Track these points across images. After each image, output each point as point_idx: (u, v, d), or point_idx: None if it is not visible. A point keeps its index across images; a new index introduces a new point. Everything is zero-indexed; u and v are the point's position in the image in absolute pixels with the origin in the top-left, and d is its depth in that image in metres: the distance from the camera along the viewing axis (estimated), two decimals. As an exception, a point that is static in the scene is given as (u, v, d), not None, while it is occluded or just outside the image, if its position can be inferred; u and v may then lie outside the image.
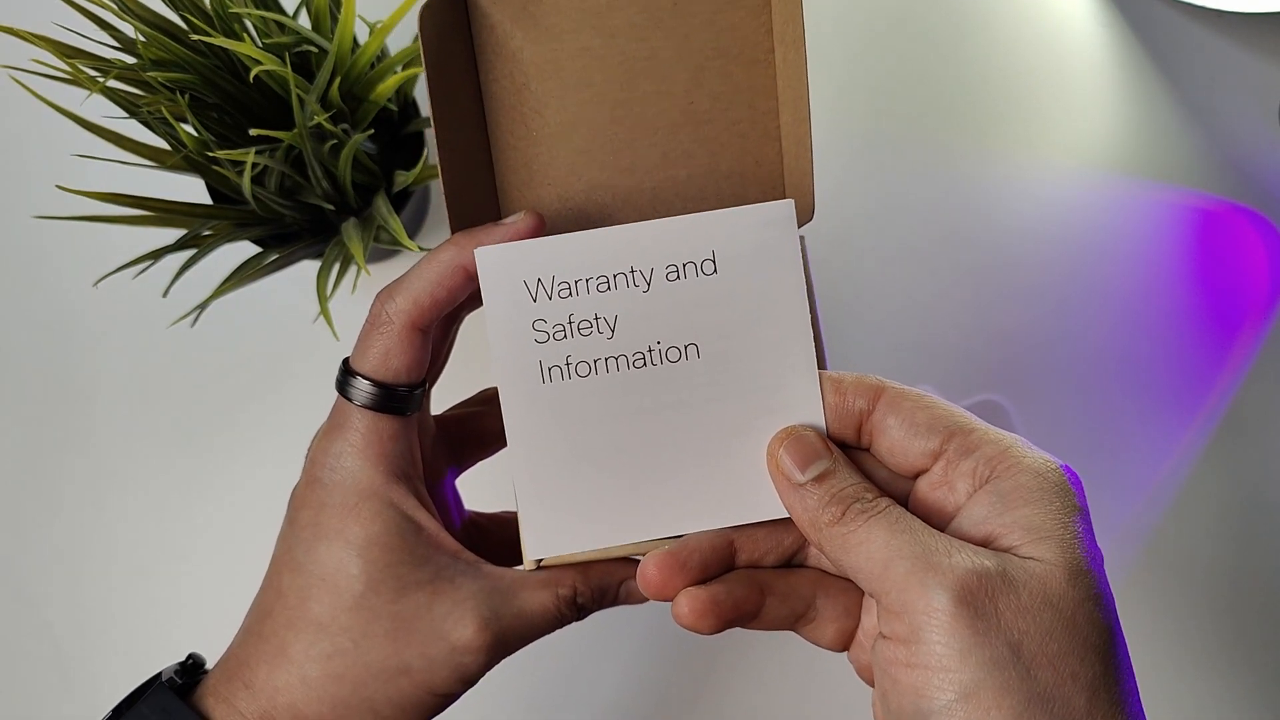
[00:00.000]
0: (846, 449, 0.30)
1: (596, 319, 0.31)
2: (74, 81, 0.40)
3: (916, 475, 0.29)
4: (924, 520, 0.27)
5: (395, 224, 0.42)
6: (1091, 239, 0.53)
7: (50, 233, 0.55)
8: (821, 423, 0.30)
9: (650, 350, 0.31)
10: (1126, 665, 0.25)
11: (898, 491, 0.29)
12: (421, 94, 0.50)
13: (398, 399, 0.31)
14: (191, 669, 0.34)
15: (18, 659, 0.52)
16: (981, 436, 0.27)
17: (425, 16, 0.31)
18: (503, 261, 0.30)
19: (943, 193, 0.54)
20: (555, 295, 0.30)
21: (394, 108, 0.47)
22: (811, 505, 0.28)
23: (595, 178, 0.34)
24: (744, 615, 0.30)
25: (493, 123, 0.33)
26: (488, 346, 0.31)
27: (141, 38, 0.41)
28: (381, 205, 0.43)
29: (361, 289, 0.54)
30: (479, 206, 0.33)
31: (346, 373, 0.32)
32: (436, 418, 0.36)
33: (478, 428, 0.37)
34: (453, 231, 0.31)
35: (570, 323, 0.31)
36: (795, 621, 0.30)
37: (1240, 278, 0.53)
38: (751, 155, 0.35)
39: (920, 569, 0.25)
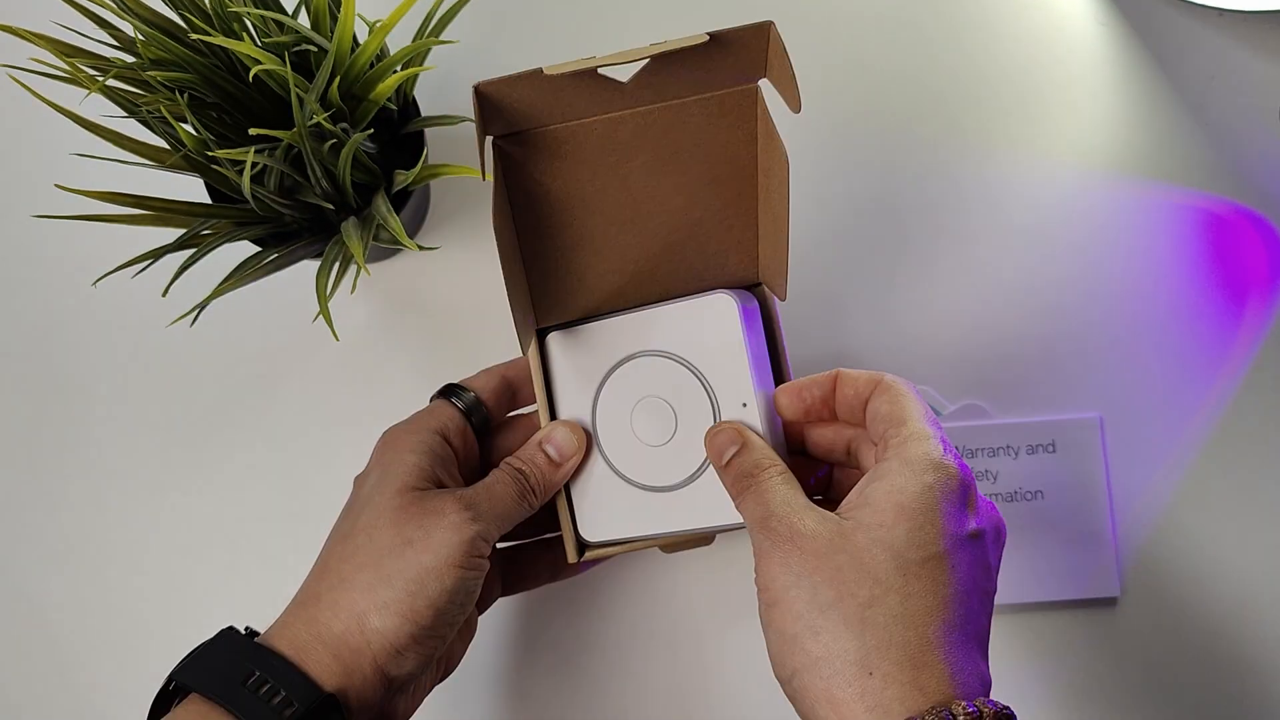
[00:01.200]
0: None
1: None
2: (73, 80, 0.40)
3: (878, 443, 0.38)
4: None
5: (395, 223, 0.42)
6: (1091, 238, 0.53)
7: (50, 232, 0.55)
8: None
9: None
10: (926, 598, 0.33)
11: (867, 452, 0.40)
12: (421, 94, 0.50)
13: (471, 402, 0.44)
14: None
15: (18, 659, 0.52)
16: (904, 430, 0.36)
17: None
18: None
19: (942, 191, 0.54)
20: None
21: (394, 107, 0.47)
22: (728, 479, 0.39)
23: (606, 267, 0.44)
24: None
25: (525, 237, 0.43)
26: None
27: (141, 37, 0.41)
28: (381, 204, 0.43)
29: (361, 288, 0.54)
30: (524, 307, 0.44)
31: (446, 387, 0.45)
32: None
33: (533, 561, 0.47)
34: (518, 326, 0.41)
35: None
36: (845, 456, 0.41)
37: (1240, 278, 0.53)
38: (734, 238, 0.44)
39: (762, 523, 0.36)
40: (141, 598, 0.53)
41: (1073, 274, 0.53)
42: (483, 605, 0.45)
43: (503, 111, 0.40)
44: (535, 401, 0.45)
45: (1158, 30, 0.54)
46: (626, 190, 0.43)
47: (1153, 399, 0.52)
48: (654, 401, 0.42)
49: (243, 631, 0.40)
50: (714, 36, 0.38)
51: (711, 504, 0.41)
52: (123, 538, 0.53)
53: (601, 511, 0.43)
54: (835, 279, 0.53)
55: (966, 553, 0.34)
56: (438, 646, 0.39)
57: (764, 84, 0.41)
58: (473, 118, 0.37)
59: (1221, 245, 0.53)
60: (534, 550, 0.47)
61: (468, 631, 0.44)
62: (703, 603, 0.52)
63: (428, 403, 0.45)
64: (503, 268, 0.40)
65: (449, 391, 0.44)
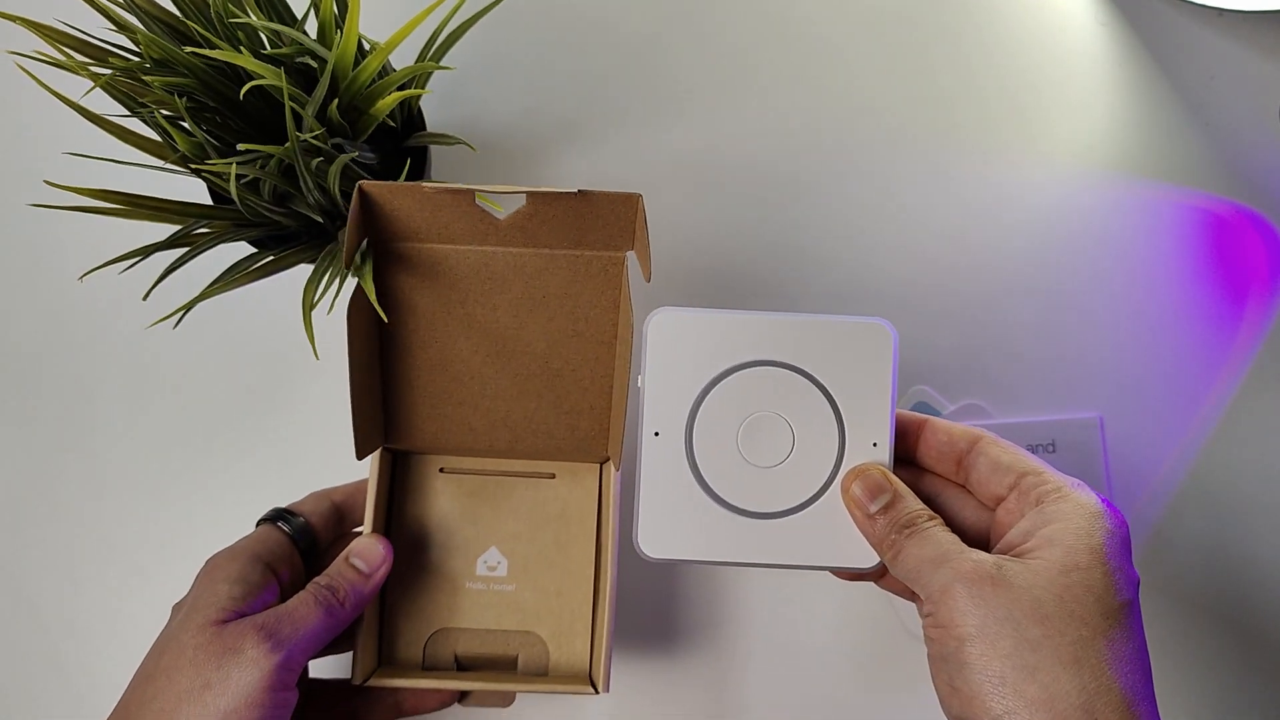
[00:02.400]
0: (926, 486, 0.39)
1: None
2: (71, 70, 0.40)
3: (997, 504, 0.37)
4: (991, 537, 0.37)
5: None
6: (1091, 238, 0.53)
7: (50, 231, 0.55)
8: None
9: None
10: (1131, 638, 0.32)
11: (984, 520, 0.38)
12: (427, 102, 0.50)
13: (299, 527, 0.44)
14: None
15: (17, 659, 0.52)
16: (1046, 477, 0.36)
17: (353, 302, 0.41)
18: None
19: (942, 191, 0.54)
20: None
21: (394, 124, 0.47)
22: (880, 530, 0.37)
23: (463, 396, 0.45)
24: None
25: (386, 346, 0.44)
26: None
27: (141, 27, 0.41)
28: None
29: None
30: (372, 415, 0.45)
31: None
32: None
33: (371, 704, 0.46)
34: (355, 434, 0.43)
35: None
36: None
37: (1240, 277, 0.53)
38: (588, 402, 0.45)
39: (937, 564, 0.34)
40: (139, 598, 0.53)
41: (1072, 273, 0.53)
42: None
43: (383, 217, 0.41)
44: (363, 524, 0.45)
45: (1158, 30, 0.54)
46: (494, 322, 0.43)
47: (1153, 399, 0.52)
48: (772, 418, 0.39)
49: None
50: (583, 193, 0.40)
51: (813, 540, 0.39)
52: (122, 538, 0.53)
53: (674, 525, 0.39)
54: (834, 279, 0.53)
55: (1138, 603, 0.34)
56: None
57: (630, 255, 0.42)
58: (463, 140, 0.38)
59: (1221, 245, 0.53)
60: (336, 694, 0.46)
61: None
62: None
63: (254, 527, 0.44)
64: (350, 368, 0.40)
65: (276, 516, 0.44)
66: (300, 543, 0.44)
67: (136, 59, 0.41)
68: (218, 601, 0.39)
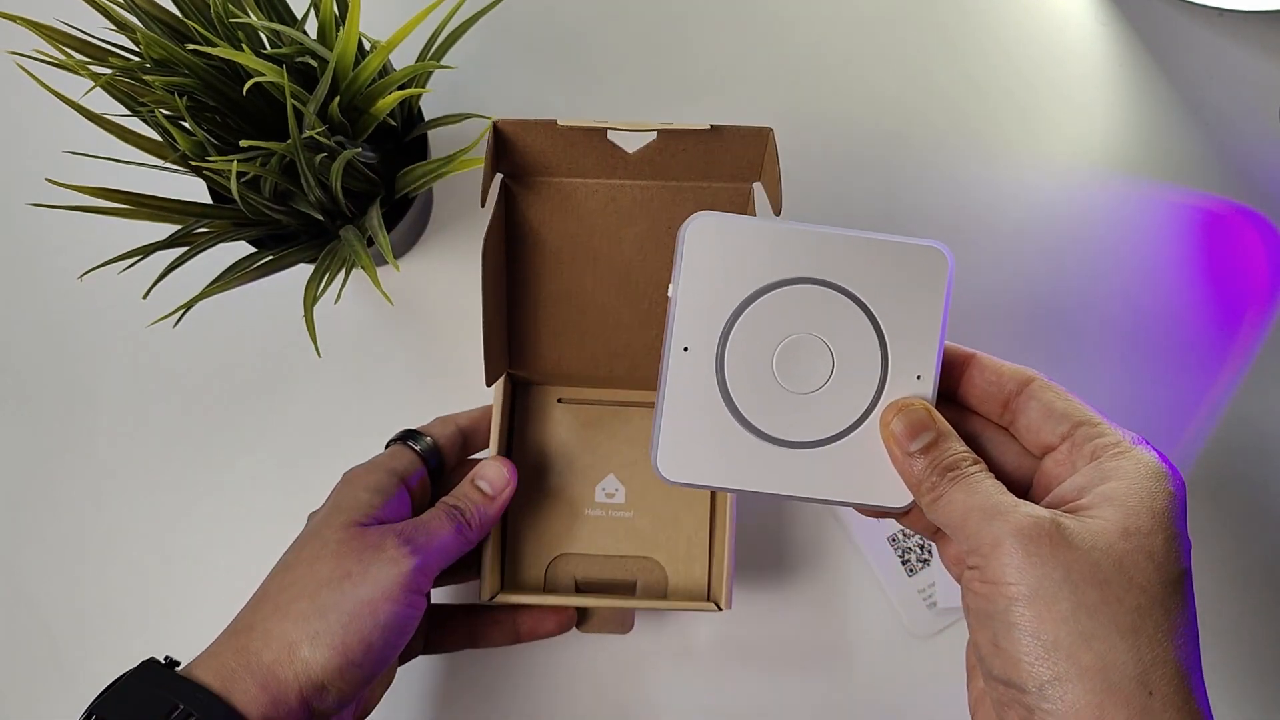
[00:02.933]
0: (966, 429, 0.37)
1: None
2: (71, 70, 0.40)
3: (1044, 453, 0.35)
4: (1035, 487, 0.35)
5: (383, 239, 0.42)
6: (1091, 238, 0.53)
7: (50, 228, 0.55)
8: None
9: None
10: (1185, 608, 0.31)
11: (1025, 467, 0.35)
12: (426, 101, 0.50)
13: (428, 448, 0.46)
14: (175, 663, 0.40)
15: (17, 659, 0.52)
16: (1103, 428, 0.33)
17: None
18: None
19: (942, 191, 0.54)
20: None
21: (394, 123, 0.47)
22: (918, 470, 0.34)
23: (586, 326, 0.46)
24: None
25: (513, 278, 0.45)
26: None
27: (141, 26, 0.41)
28: (374, 218, 0.43)
29: (360, 292, 0.54)
30: (499, 343, 0.45)
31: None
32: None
33: (456, 624, 0.48)
34: (485, 361, 0.44)
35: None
36: (933, 533, 0.38)
37: (1240, 277, 0.53)
38: None
39: (989, 517, 0.32)
40: (139, 597, 0.53)
41: (1073, 274, 0.53)
42: (404, 657, 0.46)
43: (514, 152, 0.40)
44: (487, 449, 0.46)
45: (1158, 30, 0.54)
46: (620, 254, 0.43)
47: (1153, 399, 0.52)
48: (812, 341, 0.36)
49: (163, 662, 0.40)
50: (715, 128, 0.39)
51: (843, 474, 0.36)
52: (121, 537, 0.53)
53: (697, 448, 0.36)
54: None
55: (1192, 571, 0.32)
56: (362, 684, 0.39)
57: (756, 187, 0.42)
58: (477, 113, 0.39)
59: (1221, 245, 0.53)
60: (459, 615, 0.48)
61: (387, 676, 0.45)
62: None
63: (384, 446, 0.46)
64: (483, 299, 0.40)
65: (406, 436, 0.46)
66: (430, 462, 0.45)
67: (136, 59, 0.41)
68: (359, 506, 0.41)
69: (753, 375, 0.36)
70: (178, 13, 0.42)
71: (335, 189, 0.43)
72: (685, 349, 0.36)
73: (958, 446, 0.34)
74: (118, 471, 0.53)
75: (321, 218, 0.45)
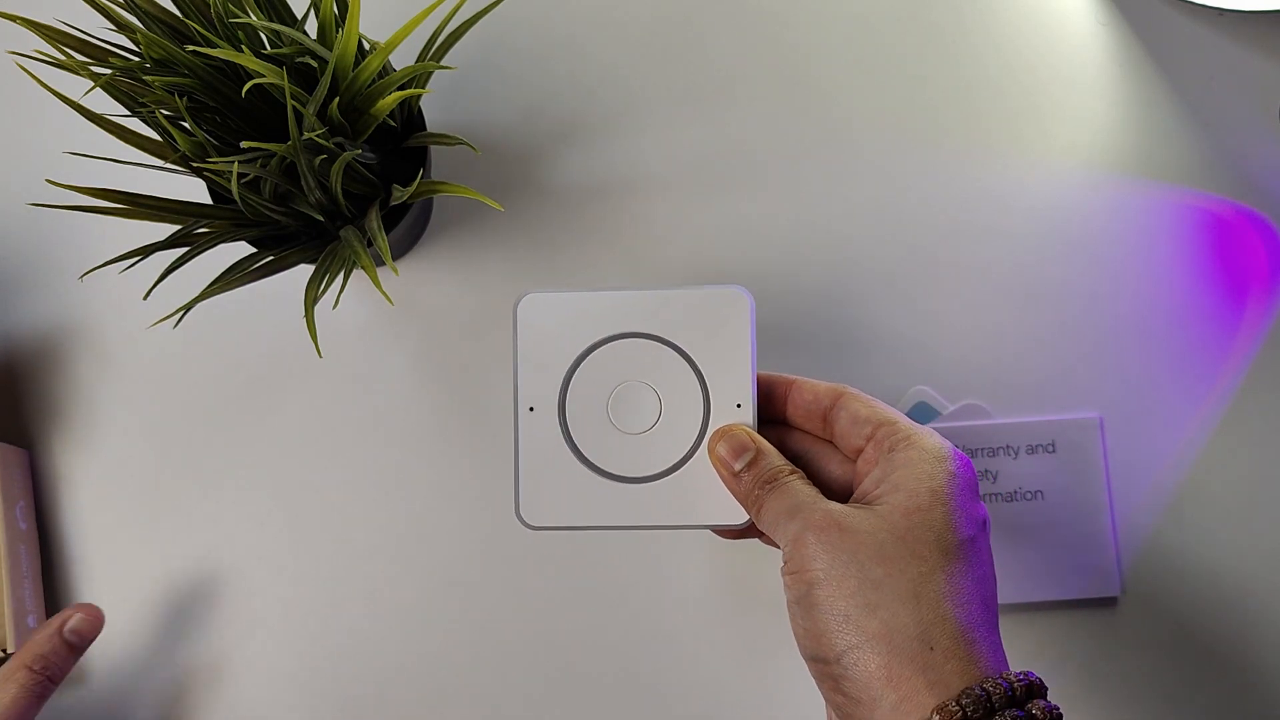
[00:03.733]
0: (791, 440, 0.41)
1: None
2: (71, 70, 0.40)
3: (857, 456, 0.39)
4: (853, 486, 0.39)
5: (382, 241, 0.42)
6: (1091, 238, 0.53)
7: (50, 228, 0.55)
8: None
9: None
10: (969, 572, 0.35)
11: (849, 472, 0.40)
12: (428, 103, 0.50)
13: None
14: None
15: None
16: (898, 427, 0.38)
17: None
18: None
19: (941, 191, 0.54)
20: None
21: (394, 124, 0.47)
22: (746, 485, 0.39)
23: None
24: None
25: None
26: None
27: (141, 26, 0.41)
28: (373, 220, 0.43)
29: (360, 292, 0.54)
30: None
31: None
32: None
33: None
34: None
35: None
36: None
37: (1240, 278, 0.53)
38: None
39: (792, 514, 0.36)
40: (139, 597, 0.53)
41: (1073, 274, 0.53)
42: None
43: None
44: None
45: (1158, 30, 0.54)
46: None
47: (1153, 399, 0.52)
48: (639, 387, 0.41)
49: None
50: None
51: (684, 501, 0.41)
52: (122, 538, 0.53)
53: (552, 494, 0.41)
54: (836, 278, 0.53)
55: (985, 538, 0.36)
56: None
57: None
58: (467, 141, 0.38)
59: (1221, 245, 0.53)
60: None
61: None
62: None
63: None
64: None
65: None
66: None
67: (137, 59, 0.41)
68: None
69: (592, 423, 0.41)
70: (178, 13, 0.42)
71: (335, 190, 0.43)
72: (531, 409, 0.41)
73: (776, 460, 0.39)
74: (117, 472, 0.53)
75: (321, 219, 0.45)
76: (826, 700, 0.35)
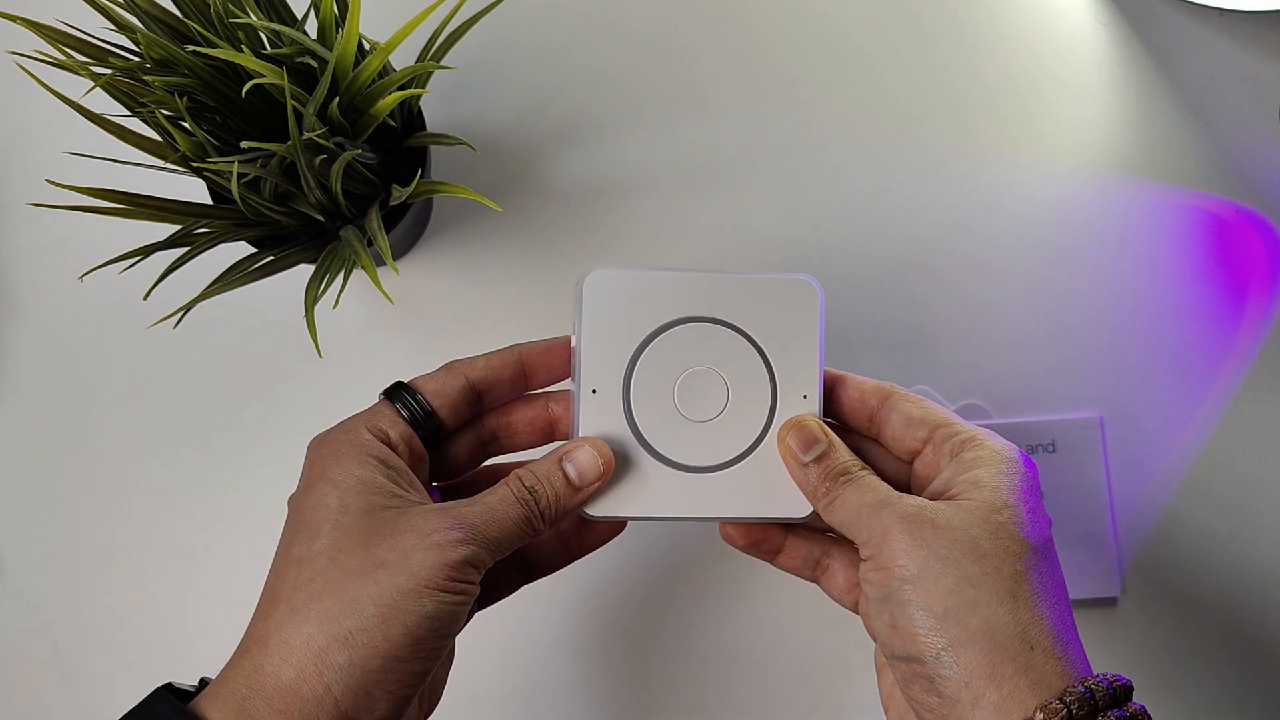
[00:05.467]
0: (850, 437, 0.40)
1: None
2: (71, 70, 0.40)
3: (912, 458, 0.39)
4: (912, 488, 0.39)
5: (382, 241, 0.42)
6: (1091, 238, 0.53)
7: (51, 228, 0.55)
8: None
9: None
10: (1052, 571, 0.35)
11: (901, 472, 0.39)
12: (427, 103, 0.50)
13: (419, 413, 0.38)
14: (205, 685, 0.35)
15: (17, 659, 0.52)
16: (958, 428, 0.38)
17: None
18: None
19: (941, 191, 0.54)
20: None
21: (394, 124, 0.47)
22: (813, 479, 0.38)
23: None
24: (770, 548, 0.41)
25: None
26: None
27: (141, 26, 0.41)
28: (374, 220, 0.43)
29: (360, 292, 0.54)
30: None
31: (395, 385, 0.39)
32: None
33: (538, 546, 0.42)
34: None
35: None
36: (813, 571, 0.41)
37: (1240, 278, 0.53)
38: None
39: (877, 509, 0.35)
40: (139, 598, 0.53)
41: (1072, 274, 0.53)
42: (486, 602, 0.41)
43: None
44: (499, 405, 0.41)
45: (1158, 30, 0.54)
46: None
47: (1153, 399, 0.52)
48: (706, 373, 0.39)
49: (194, 686, 0.35)
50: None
51: (750, 492, 0.39)
52: (122, 537, 0.53)
53: (615, 482, 0.39)
54: (835, 279, 0.53)
55: (1053, 541, 0.36)
56: (417, 683, 0.34)
57: None
58: (466, 141, 0.38)
59: (1221, 245, 0.53)
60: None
61: (447, 658, 0.40)
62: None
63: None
64: None
65: (397, 394, 0.39)
66: (420, 428, 0.38)
67: (137, 59, 0.41)
68: (372, 484, 0.35)
69: (657, 409, 0.39)
70: (178, 13, 0.42)
71: (335, 190, 0.43)
72: (594, 391, 0.39)
73: (846, 455, 0.38)
74: (117, 472, 0.53)
75: (321, 218, 0.45)
76: (913, 702, 0.34)
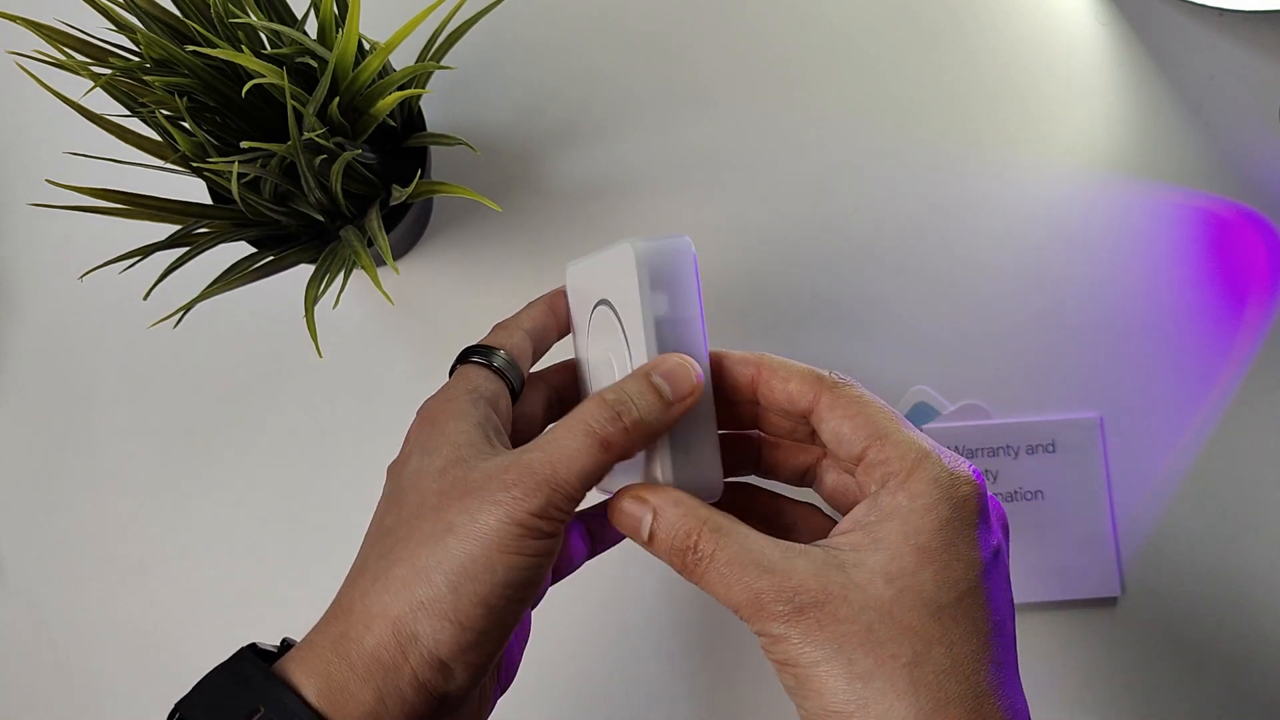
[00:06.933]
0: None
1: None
2: (71, 70, 0.40)
3: (855, 464, 0.34)
4: (850, 495, 0.36)
5: (383, 241, 0.42)
6: (1090, 238, 0.53)
7: (50, 228, 0.55)
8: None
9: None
10: (968, 642, 0.31)
11: (846, 483, 0.37)
12: (427, 103, 0.50)
13: (505, 364, 0.37)
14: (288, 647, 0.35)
15: (17, 659, 0.52)
16: (887, 450, 0.33)
17: None
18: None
19: (941, 191, 0.54)
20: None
21: (394, 124, 0.47)
22: (665, 558, 0.33)
23: None
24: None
25: None
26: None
27: (141, 26, 0.41)
28: (374, 220, 0.43)
29: (360, 292, 0.54)
30: None
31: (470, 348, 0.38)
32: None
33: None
34: None
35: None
36: (801, 478, 0.38)
37: (1240, 278, 0.53)
38: None
39: (754, 606, 0.31)
40: (139, 597, 0.53)
41: (1072, 274, 0.53)
42: (560, 575, 0.39)
43: None
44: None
45: (1158, 30, 0.54)
46: None
47: (1153, 399, 0.52)
48: (606, 356, 0.38)
49: (276, 647, 0.35)
50: None
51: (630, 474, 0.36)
52: (122, 538, 0.53)
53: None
54: (835, 278, 0.53)
55: (994, 574, 0.32)
56: (493, 652, 0.33)
57: None
58: (466, 141, 0.38)
59: (1221, 245, 0.53)
60: (591, 518, 0.40)
61: (523, 632, 0.39)
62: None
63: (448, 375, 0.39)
64: None
65: (475, 353, 0.38)
66: (512, 380, 0.37)
67: (137, 59, 0.41)
68: (459, 444, 0.34)
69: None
70: (178, 13, 0.42)
71: (335, 190, 0.43)
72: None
73: (674, 526, 0.33)
74: (118, 472, 0.53)
75: (321, 218, 0.45)
76: None
